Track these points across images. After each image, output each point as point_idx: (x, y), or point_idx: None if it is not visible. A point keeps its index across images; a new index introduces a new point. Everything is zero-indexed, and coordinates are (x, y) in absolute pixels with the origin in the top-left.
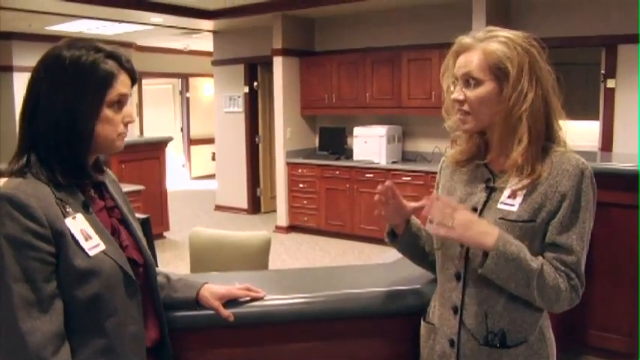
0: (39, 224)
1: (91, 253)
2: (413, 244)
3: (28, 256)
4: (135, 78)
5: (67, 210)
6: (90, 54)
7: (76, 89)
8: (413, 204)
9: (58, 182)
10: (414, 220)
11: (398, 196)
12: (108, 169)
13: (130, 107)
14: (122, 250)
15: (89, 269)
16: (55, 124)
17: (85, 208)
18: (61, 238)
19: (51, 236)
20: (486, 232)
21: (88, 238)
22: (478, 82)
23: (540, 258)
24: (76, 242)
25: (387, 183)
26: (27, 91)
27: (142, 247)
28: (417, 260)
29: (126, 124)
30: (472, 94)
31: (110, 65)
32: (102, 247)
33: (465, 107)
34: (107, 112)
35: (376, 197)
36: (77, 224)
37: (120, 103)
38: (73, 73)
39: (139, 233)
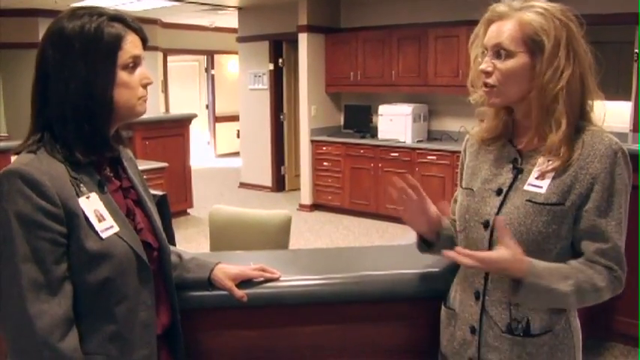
0: (51, 203)
1: (104, 235)
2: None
3: (38, 236)
4: (145, 37)
5: (82, 189)
6: (93, 20)
7: (85, 60)
8: (436, 209)
9: (74, 160)
10: (445, 222)
11: (423, 198)
12: (126, 148)
13: (146, 69)
14: (137, 232)
15: (101, 252)
16: (71, 101)
17: (100, 188)
18: (74, 219)
19: (63, 216)
20: (514, 269)
21: (101, 219)
22: (509, 54)
23: (573, 264)
24: (89, 223)
25: (411, 180)
26: (35, 71)
27: (158, 230)
28: None
29: (144, 86)
30: (502, 65)
31: (116, 27)
32: (115, 229)
33: (492, 80)
34: (122, 75)
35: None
36: (91, 204)
37: (134, 64)
38: (79, 44)
39: (155, 215)
